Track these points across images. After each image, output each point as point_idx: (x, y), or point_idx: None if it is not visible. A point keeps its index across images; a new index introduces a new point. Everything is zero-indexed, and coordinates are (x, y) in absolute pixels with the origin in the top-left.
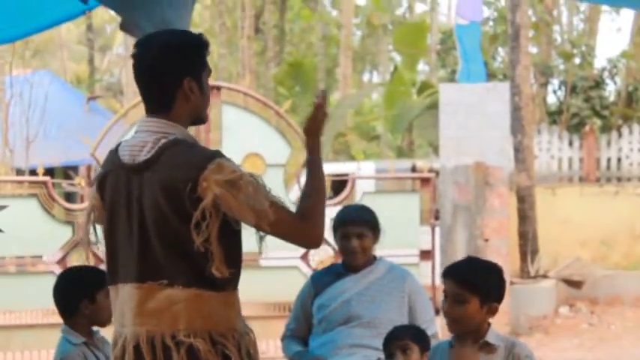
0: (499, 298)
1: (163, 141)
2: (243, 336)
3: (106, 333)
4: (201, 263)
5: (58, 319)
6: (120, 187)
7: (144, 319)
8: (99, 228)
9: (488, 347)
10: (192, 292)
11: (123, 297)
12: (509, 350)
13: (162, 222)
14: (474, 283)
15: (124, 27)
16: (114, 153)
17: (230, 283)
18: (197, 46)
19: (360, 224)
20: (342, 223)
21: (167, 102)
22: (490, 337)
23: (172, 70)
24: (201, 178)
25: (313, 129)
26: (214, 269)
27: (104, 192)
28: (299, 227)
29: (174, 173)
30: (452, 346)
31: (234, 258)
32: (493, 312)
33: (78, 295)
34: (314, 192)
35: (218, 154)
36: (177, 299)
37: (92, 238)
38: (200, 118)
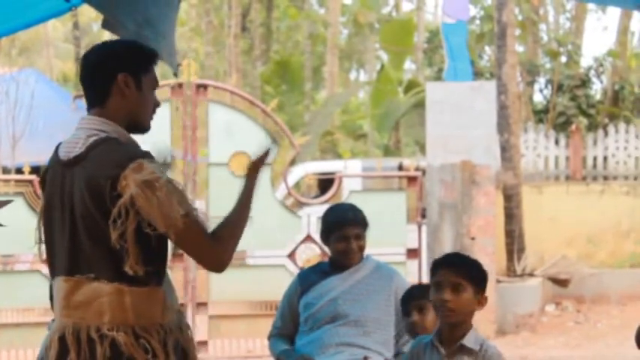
0: (485, 290)
1: (94, 138)
2: (173, 331)
3: None
4: (121, 259)
5: (43, 318)
6: (56, 182)
7: (71, 312)
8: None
9: (465, 350)
10: (115, 287)
11: (56, 290)
12: (482, 353)
13: (87, 217)
14: (470, 271)
15: (107, 25)
16: (55, 150)
17: (152, 280)
18: (140, 51)
19: (357, 225)
20: (340, 224)
21: (102, 96)
22: (469, 340)
23: (108, 64)
24: (121, 176)
25: (255, 168)
26: (128, 267)
27: (45, 188)
28: (207, 246)
29: (98, 170)
30: (431, 344)
31: (154, 256)
32: (483, 304)
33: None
34: (236, 218)
35: (142, 155)
36: (102, 293)
37: (42, 236)
38: (138, 122)
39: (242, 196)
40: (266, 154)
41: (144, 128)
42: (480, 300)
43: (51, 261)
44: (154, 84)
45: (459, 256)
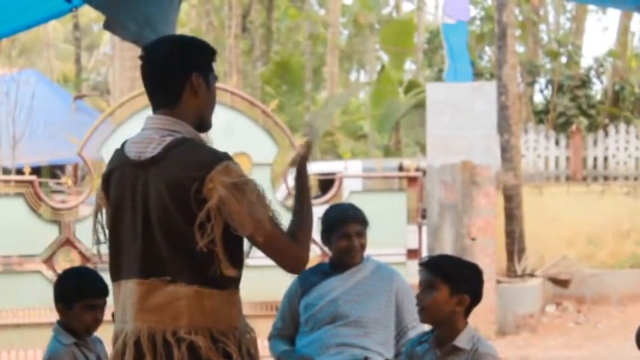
0: (472, 291)
1: (170, 138)
2: (244, 335)
3: (99, 332)
4: (204, 262)
5: (44, 319)
6: (125, 183)
7: (145, 315)
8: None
9: (457, 350)
10: (194, 290)
11: (125, 293)
12: (472, 352)
13: (166, 219)
14: (445, 270)
15: (108, 26)
16: (120, 150)
17: (232, 282)
18: (205, 47)
19: (358, 222)
20: (341, 222)
21: (175, 96)
22: (461, 340)
23: (182, 64)
24: (207, 179)
25: (302, 163)
26: (225, 271)
27: (109, 189)
28: (289, 248)
29: (181, 171)
30: (427, 345)
31: (237, 258)
32: (463, 304)
33: (57, 297)
34: (305, 216)
35: (226, 157)
36: (180, 296)
37: (101, 237)
38: (205, 120)
39: (300, 194)
40: (309, 146)
41: (206, 125)
42: (461, 300)
43: (116, 263)
44: (216, 80)
45: (439, 257)
